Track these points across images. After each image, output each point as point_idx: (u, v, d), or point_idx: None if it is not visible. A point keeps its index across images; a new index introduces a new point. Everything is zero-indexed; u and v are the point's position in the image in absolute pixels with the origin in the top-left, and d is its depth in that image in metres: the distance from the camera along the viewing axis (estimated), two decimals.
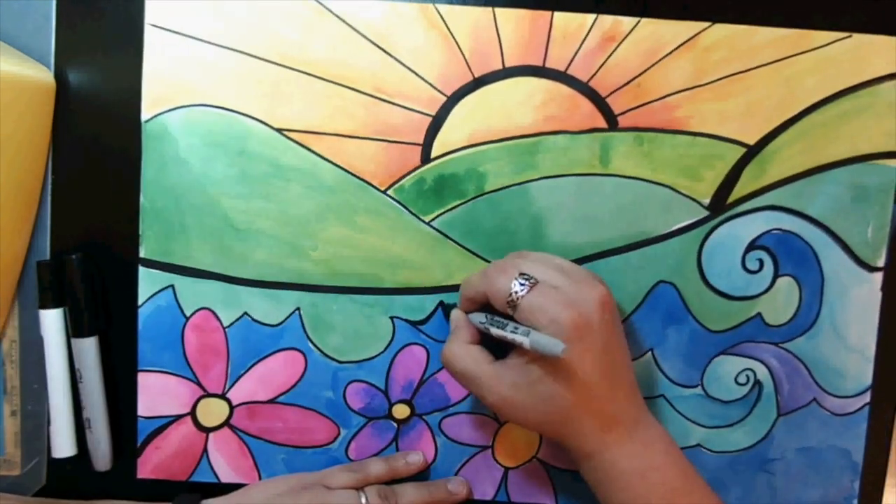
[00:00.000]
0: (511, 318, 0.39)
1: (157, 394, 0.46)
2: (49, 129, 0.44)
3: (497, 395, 0.39)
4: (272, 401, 0.46)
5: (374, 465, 0.45)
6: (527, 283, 0.38)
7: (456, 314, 0.43)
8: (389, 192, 0.45)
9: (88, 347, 0.44)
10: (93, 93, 0.44)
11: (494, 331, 0.39)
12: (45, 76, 0.43)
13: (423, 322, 0.46)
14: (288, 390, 0.46)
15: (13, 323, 0.45)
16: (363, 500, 0.43)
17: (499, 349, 0.41)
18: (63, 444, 0.45)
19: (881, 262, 0.45)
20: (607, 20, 0.44)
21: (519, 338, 0.37)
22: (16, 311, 0.45)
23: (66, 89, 0.44)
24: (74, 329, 0.45)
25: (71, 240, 0.45)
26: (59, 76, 0.44)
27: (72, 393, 0.45)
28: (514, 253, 0.43)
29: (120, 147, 0.45)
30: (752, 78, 0.44)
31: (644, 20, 0.44)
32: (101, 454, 0.46)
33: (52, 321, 0.44)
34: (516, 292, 0.38)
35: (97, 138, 0.45)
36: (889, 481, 0.47)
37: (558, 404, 0.38)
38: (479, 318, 0.41)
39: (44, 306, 0.44)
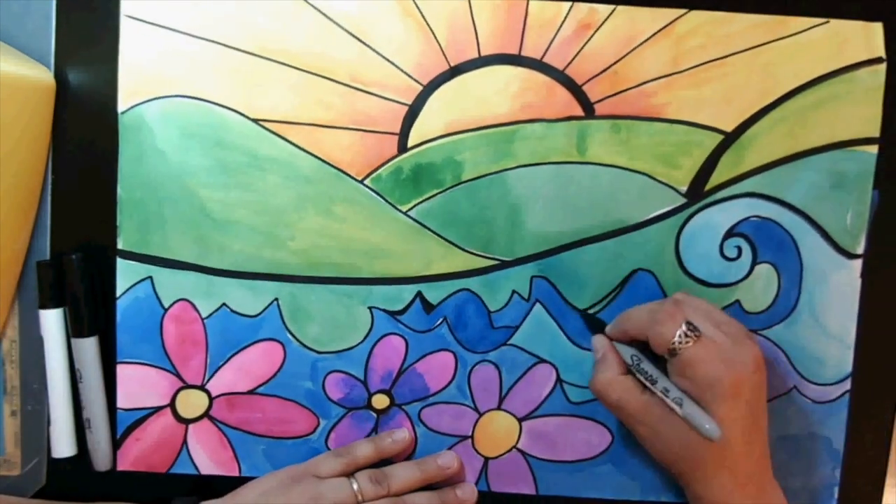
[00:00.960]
0: (655, 357, 0.40)
1: (136, 386, 0.46)
2: (49, 129, 0.44)
3: (647, 426, 0.40)
4: (251, 392, 0.46)
5: (362, 448, 0.45)
6: (691, 335, 0.38)
7: (602, 341, 0.44)
8: (366, 181, 0.45)
9: (88, 347, 0.45)
10: (92, 92, 0.44)
11: (643, 378, 0.40)
12: (44, 76, 0.43)
13: (401, 312, 0.46)
14: (267, 381, 0.46)
15: (13, 323, 0.45)
16: (354, 487, 0.43)
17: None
18: (63, 444, 0.45)
19: (860, 249, 0.45)
20: (583, 8, 0.44)
21: (671, 404, 0.38)
22: (16, 311, 0.45)
23: (66, 89, 0.44)
24: (74, 329, 0.45)
25: (71, 240, 0.45)
26: (59, 76, 0.44)
27: (72, 393, 0.45)
28: (679, 295, 0.42)
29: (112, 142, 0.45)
30: (729, 65, 0.44)
31: (620, 7, 0.44)
32: (101, 454, 0.46)
33: (52, 321, 0.44)
34: (679, 342, 0.38)
35: (97, 137, 0.45)
36: (889, 481, 0.47)
37: (697, 452, 0.38)
38: (629, 354, 0.41)
39: (44, 306, 0.44)
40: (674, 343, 0.38)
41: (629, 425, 0.42)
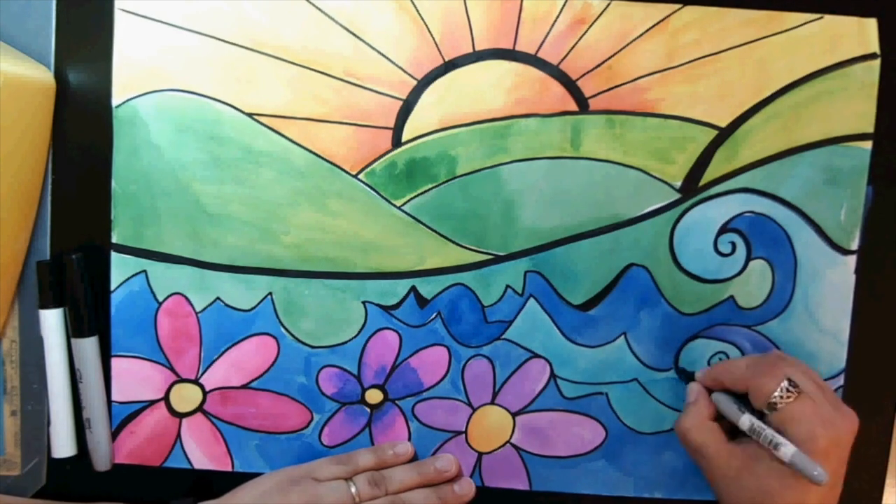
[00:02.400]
0: (753, 412, 0.40)
1: (130, 379, 0.46)
2: (49, 129, 0.44)
3: (724, 473, 0.40)
4: (245, 386, 0.46)
5: (363, 457, 0.45)
6: (793, 391, 0.39)
7: (695, 388, 0.44)
8: (361, 176, 0.45)
9: (88, 347, 0.45)
10: (89, 87, 0.44)
11: (751, 422, 0.40)
12: (45, 76, 0.43)
13: (395, 307, 0.46)
14: (261, 375, 0.46)
15: (13, 323, 0.45)
16: (352, 490, 0.43)
17: None
18: (63, 444, 0.45)
19: (854, 245, 0.45)
20: (577, 3, 0.44)
21: (779, 444, 0.38)
22: (16, 311, 0.45)
23: (64, 87, 0.44)
24: (74, 329, 0.45)
25: (71, 240, 0.45)
26: (59, 76, 0.44)
27: (72, 393, 0.45)
28: (777, 353, 0.43)
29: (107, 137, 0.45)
30: (723, 60, 0.44)
31: (614, 2, 0.44)
32: (101, 454, 0.46)
33: (52, 321, 0.44)
34: (780, 396, 0.39)
35: (94, 133, 0.45)
36: (889, 481, 0.47)
37: (780, 499, 0.39)
38: (729, 402, 0.41)
39: (44, 306, 0.45)
40: (774, 397, 0.39)
41: (708, 469, 0.41)
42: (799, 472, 0.37)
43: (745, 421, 0.40)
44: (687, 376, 0.45)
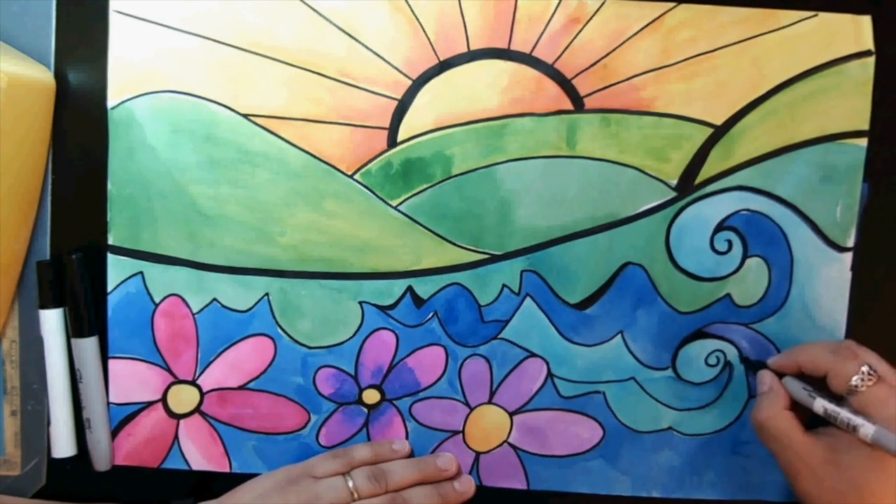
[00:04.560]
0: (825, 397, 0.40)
1: (127, 381, 0.46)
2: (49, 129, 0.44)
3: (805, 465, 0.40)
4: (242, 387, 0.46)
5: (360, 452, 0.45)
6: (874, 374, 0.39)
7: (768, 376, 0.43)
8: (356, 176, 0.45)
9: (88, 347, 0.45)
10: (87, 88, 0.44)
11: (824, 406, 0.39)
12: (45, 76, 0.43)
13: (391, 307, 0.46)
14: (258, 376, 0.46)
15: (13, 323, 0.45)
16: (350, 485, 0.43)
17: None
18: (63, 444, 0.45)
19: (850, 242, 0.45)
20: (572, 2, 0.44)
21: (862, 424, 0.38)
22: (16, 311, 0.45)
23: (64, 88, 0.44)
24: (74, 329, 0.45)
25: (71, 240, 0.45)
26: (59, 76, 0.44)
27: (72, 393, 0.45)
28: (852, 342, 0.42)
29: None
30: (718, 58, 0.44)
31: (609, 1, 0.44)
32: (101, 454, 0.46)
33: (52, 321, 0.45)
34: (861, 380, 0.39)
35: (92, 135, 0.45)
36: None
37: (863, 498, 0.38)
38: (800, 387, 0.41)
39: (44, 306, 0.45)
40: (855, 381, 0.39)
41: (787, 462, 0.40)
42: (883, 448, 0.37)
43: (819, 405, 0.40)
44: (753, 366, 0.45)
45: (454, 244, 0.45)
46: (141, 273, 0.45)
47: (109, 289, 0.45)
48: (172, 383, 0.46)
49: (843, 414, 0.39)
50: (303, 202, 0.45)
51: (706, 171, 0.45)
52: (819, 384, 0.40)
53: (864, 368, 0.39)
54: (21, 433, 0.46)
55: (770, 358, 0.44)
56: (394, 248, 0.45)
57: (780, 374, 0.43)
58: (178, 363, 0.46)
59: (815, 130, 0.45)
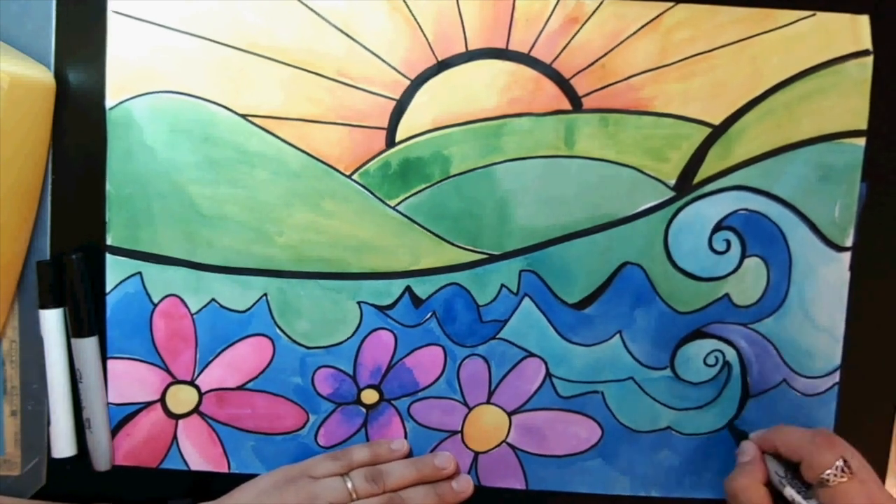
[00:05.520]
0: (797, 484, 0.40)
1: (126, 381, 0.46)
2: (49, 129, 0.44)
3: None
4: (241, 387, 0.46)
5: (358, 452, 0.45)
6: (847, 471, 0.39)
7: (751, 448, 0.43)
8: (355, 176, 0.45)
9: (88, 347, 0.45)
10: (86, 89, 0.44)
11: (793, 496, 0.40)
12: (45, 76, 0.43)
13: (390, 307, 0.46)
14: (256, 376, 0.46)
15: (13, 323, 0.45)
16: (349, 486, 0.43)
17: None
18: (63, 444, 0.45)
19: (849, 242, 0.45)
20: (570, 1, 0.44)
21: None
22: (16, 311, 0.45)
23: (64, 88, 0.44)
24: (74, 329, 0.45)
25: (71, 240, 0.45)
26: (59, 76, 0.44)
27: (72, 393, 0.45)
28: (830, 432, 0.42)
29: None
30: (716, 58, 0.44)
31: (607, 1, 0.44)
32: (101, 454, 0.46)
33: (52, 321, 0.45)
34: (834, 475, 0.39)
35: (91, 135, 0.45)
36: (889, 481, 0.47)
37: None
38: (774, 470, 0.42)
39: (44, 306, 0.45)
40: (828, 474, 0.39)
41: None
42: None
43: (789, 493, 0.40)
44: (739, 435, 0.45)
45: (452, 244, 0.45)
46: (139, 273, 0.45)
47: (108, 289, 0.45)
48: (171, 383, 0.46)
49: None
50: (301, 202, 0.45)
51: (704, 171, 0.45)
52: (795, 467, 0.41)
53: (839, 463, 0.39)
54: (21, 433, 0.46)
55: (755, 433, 0.44)
56: (392, 248, 0.45)
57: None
58: (177, 363, 0.46)
59: (813, 130, 0.45)
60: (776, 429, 0.43)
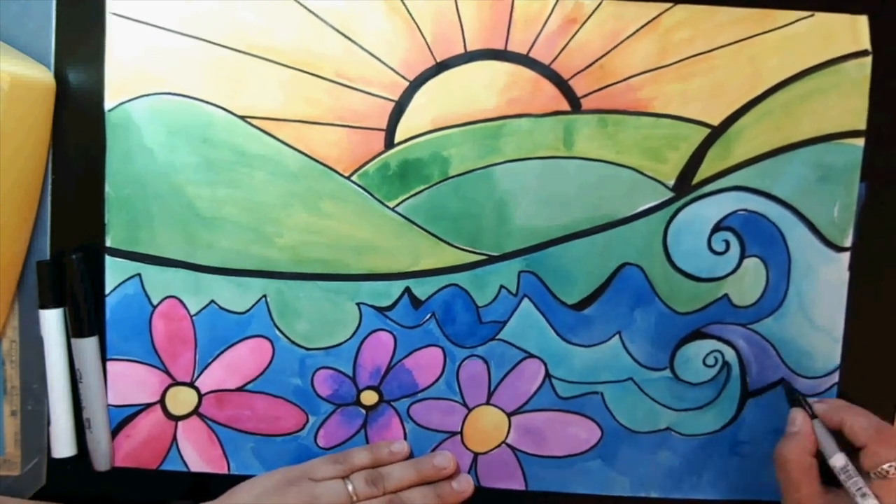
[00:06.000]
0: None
1: (126, 382, 0.46)
2: (49, 129, 0.44)
3: None
4: (240, 389, 0.46)
5: (359, 455, 0.45)
6: None
7: (803, 417, 0.43)
8: (353, 177, 0.45)
9: (88, 347, 0.45)
10: (85, 90, 0.44)
11: (846, 463, 0.40)
12: (45, 76, 0.43)
13: (389, 308, 0.46)
14: (256, 378, 0.46)
15: (13, 323, 0.45)
16: (349, 489, 0.43)
17: None
18: (63, 444, 0.45)
19: (848, 242, 0.45)
20: (569, 2, 0.44)
21: (866, 494, 0.39)
22: (16, 311, 0.45)
23: (64, 89, 0.44)
24: (74, 329, 0.45)
25: (71, 240, 0.45)
26: (59, 77, 0.44)
27: (72, 393, 0.45)
28: (892, 426, 0.43)
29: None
30: (715, 58, 0.44)
31: (606, 1, 0.44)
32: (101, 454, 0.46)
33: (52, 321, 0.45)
34: (894, 468, 0.39)
35: (91, 136, 0.45)
36: None
37: None
38: (826, 436, 0.42)
39: (44, 306, 0.45)
40: (888, 466, 0.39)
41: (788, 497, 0.42)
42: None
43: (840, 460, 0.40)
44: (792, 394, 0.44)
45: (452, 245, 0.45)
46: (139, 275, 0.45)
47: (107, 291, 0.45)
48: (171, 385, 0.46)
49: (858, 479, 0.39)
50: (300, 203, 0.45)
51: (703, 172, 0.45)
52: (849, 448, 0.41)
53: None
54: (21, 433, 0.46)
55: (817, 399, 0.44)
56: (391, 249, 0.45)
57: (812, 415, 0.43)
58: (177, 365, 0.46)
59: (812, 130, 0.44)
60: (847, 408, 0.42)
